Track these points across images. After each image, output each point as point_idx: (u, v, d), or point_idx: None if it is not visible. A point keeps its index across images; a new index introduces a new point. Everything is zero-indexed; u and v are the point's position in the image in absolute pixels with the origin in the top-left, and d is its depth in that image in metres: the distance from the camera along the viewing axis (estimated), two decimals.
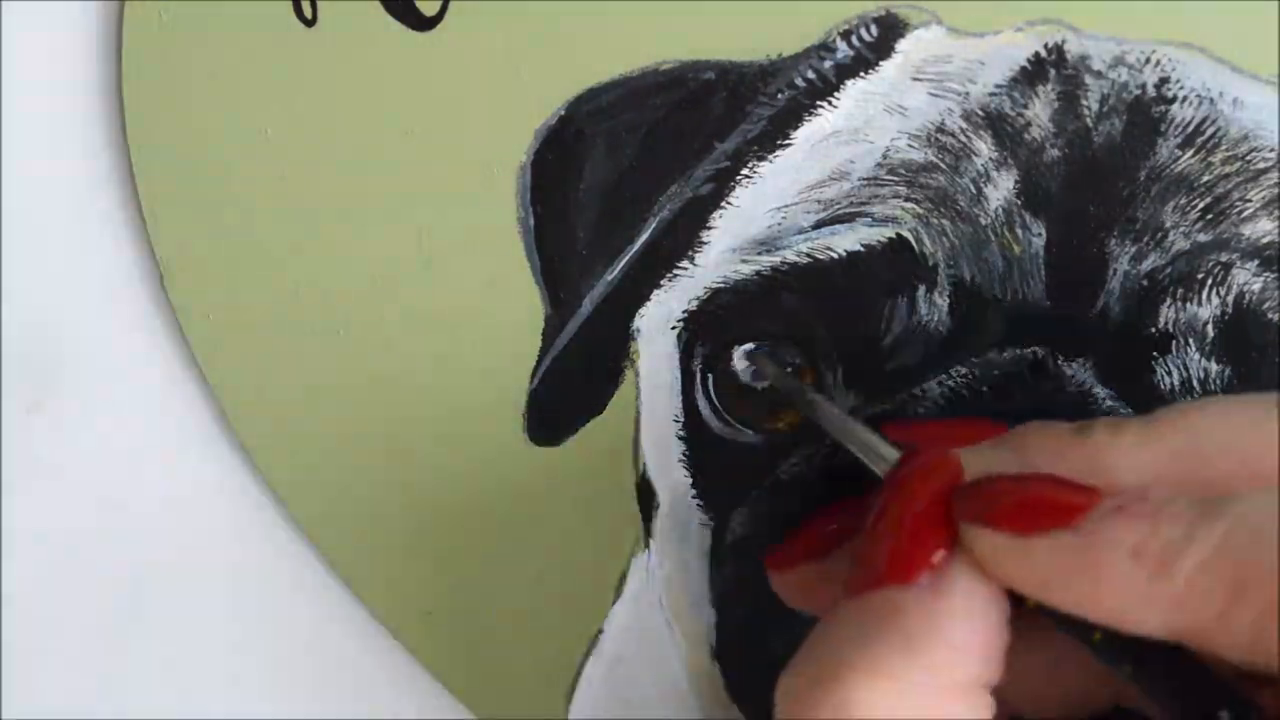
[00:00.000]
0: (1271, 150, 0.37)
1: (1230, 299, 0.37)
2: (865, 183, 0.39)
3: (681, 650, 0.44)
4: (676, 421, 0.41)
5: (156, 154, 0.43)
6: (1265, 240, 0.37)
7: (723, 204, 0.40)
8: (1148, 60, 0.38)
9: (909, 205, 0.38)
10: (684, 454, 0.42)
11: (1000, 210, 0.38)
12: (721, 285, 0.40)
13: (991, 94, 0.38)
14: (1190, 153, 0.37)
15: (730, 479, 0.41)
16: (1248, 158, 0.37)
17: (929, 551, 0.31)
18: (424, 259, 0.43)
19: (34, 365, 0.46)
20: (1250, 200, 0.37)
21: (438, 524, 0.45)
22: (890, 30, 0.39)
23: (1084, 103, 0.38)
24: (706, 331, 0.41)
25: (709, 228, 0.41)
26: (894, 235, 0.38)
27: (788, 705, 0.31)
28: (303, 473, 0.45)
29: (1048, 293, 0.38)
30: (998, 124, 0.38)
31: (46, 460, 0.47)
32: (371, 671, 0.47)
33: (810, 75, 0.40)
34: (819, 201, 0.39)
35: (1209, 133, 0.37)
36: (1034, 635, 0.31)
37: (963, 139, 0.38)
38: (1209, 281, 0.37)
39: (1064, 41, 0.38)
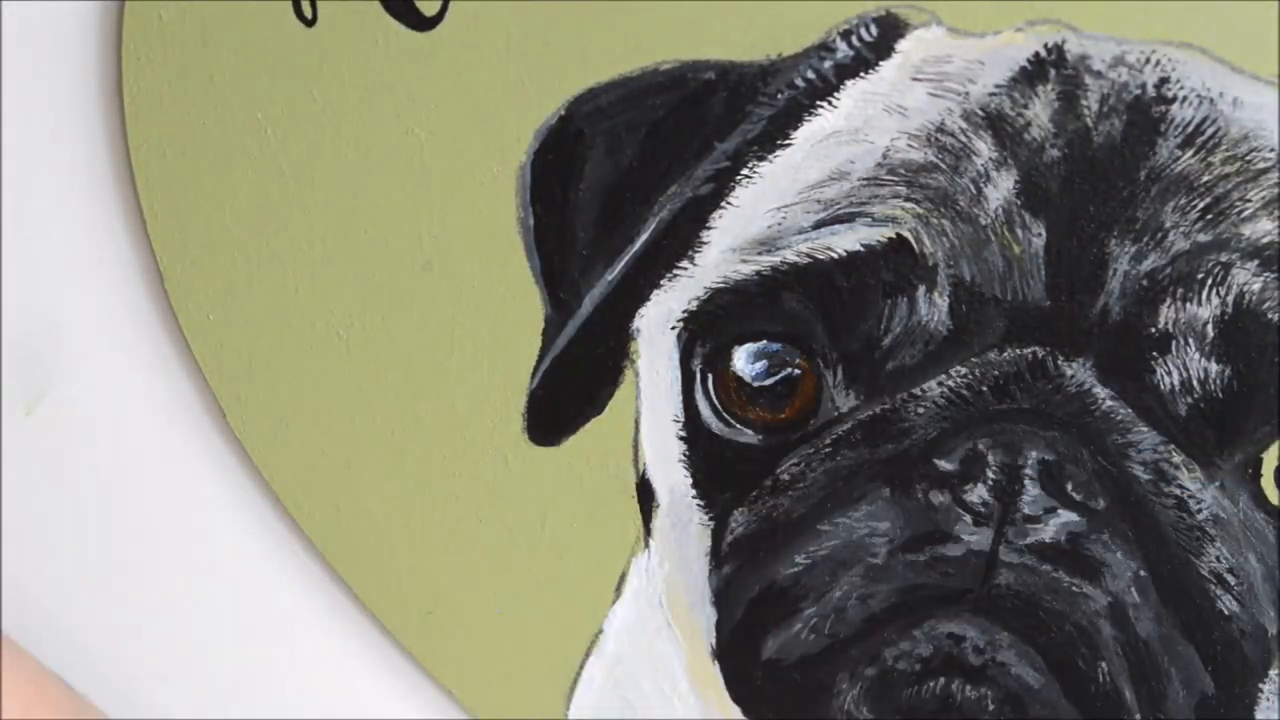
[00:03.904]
0: (1271, 150, 0.37)
1: (1230, 299, 0.37)
2: (865, 183, 0.39)
3: (681, 650, 0.44)
4: (676, 421, 0.41)
5: (156, 154, 0.43)
6: (1265, 240, 0.37)
7: (723, 204, 0.40)
8: (1148, 60, 0.38)
9: (909, 205, 0.38)
10: (684, 454, 0.42)
11: (1000, 210, 0.38)
12: (721, 285, 0.40)
13: (991, 94, 0.38)
14: (1190, 153, 0.37)
15: (730, 479, 0.41)
16: (1248, 158, 0.37)
17: None
18: (424, 259, 0.43)
19: (34, 365, 0.46)
20: (1250, 200, 0.37)
21: (438, 524, 0.45)
22: (890, 30, 0.39)
23: (1084, 103, 0.38)
24: (706, 331, 0.41)
25: (709, 228, 0.41)
26: (894, 235, 0.38)
27: None
28: (303, 473, 0.45)
29: (1048, 293, 0.38)
30: (998, 124, 0.38)
31: (46, 460, 0.47)
32: (371, 671, 0.47)
33: (810, 75, 0.40)
34: (819, 201, 0.39)
35: (1209, 133, 0.37)
36: None
37: (963, 139, 0.38)
38: (1209, 281, 0.37)
39: (1064, 41, 0.38)
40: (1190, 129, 0.37)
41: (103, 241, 0.45)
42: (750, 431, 0.40)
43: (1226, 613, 0.38)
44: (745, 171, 0.40)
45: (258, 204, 0.43)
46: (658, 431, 0.42)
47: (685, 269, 0.41)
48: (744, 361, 0.40)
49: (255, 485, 0.46)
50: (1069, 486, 0.37)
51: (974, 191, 0.38)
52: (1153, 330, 0.37)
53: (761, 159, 0.40)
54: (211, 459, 0.46)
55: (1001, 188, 0.38)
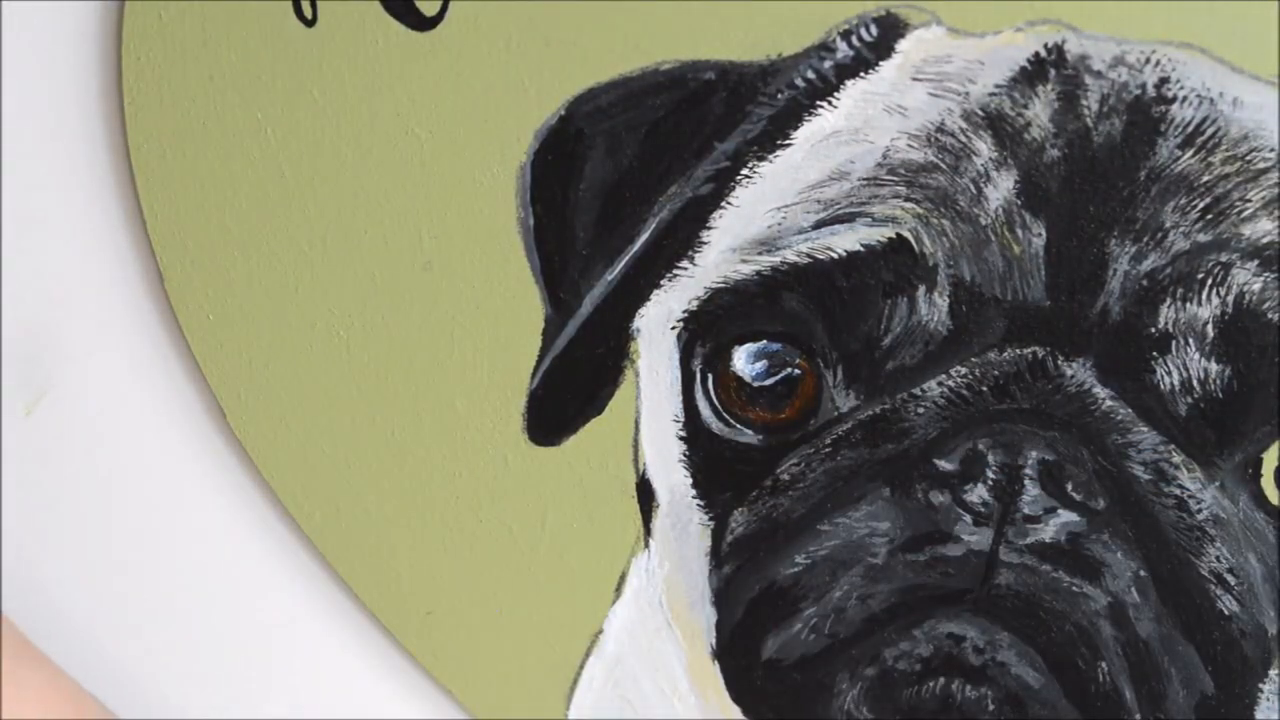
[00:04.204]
0: (1271, 150, 0.37)
1: (1230, 299, 0.37)
2: (865, 183, 0.39)
3: (681, 650, 0.44)
4: (676, 421, 0.41)
5: (156, 154, 0.43)
6: (1265, 240, 0.37)
7: (723, 204, 0.40)
8: (1148, 60, 0.38)
9: (909, 205, 0.38)
10: (684, 454, 0.42)
11: (1000, 210, 0.38)
12: (721, 285, 0.40)
13: (991, 94, 0.38)
14: (1190, 153, 0.37)
15: (730, 479, 0.41)
16: (1248, 158, 0.37)
17: None
18: (424, 259, 0.43)
19: (34, 365, 0.46)
20: (1250, 200, 0.37)
21: (438, 524, 0.45)
22: (890, 30, 0.39)
23: (1084, 103, 0.38)
24: (706, 331, 0.41)
25: (709, 228, 0.41)
26: (894, 235, 0.38)
27: None
28: (303, 473, 0.45)
29: (1048, 293, 0.38)
30: (998, 124, 0.38)
31: (46, 460, 0.47)
32: (372, 671, 0.47)
33: (810, 75, 0.40)
34: (819, 201, 0.39)
35: (1209, 133, 0.37)
36: None
37: (963, 139, 0.38)
38: (1209, 281, 0.37)
39: (1064, 41, 0.38)
40: (1190, 129, 0.37)
41: (103, 241, 0.45)
42: (750, 431, 0.40)
43: (1226, 613, 0.38)
44: (745, 171, 0.40)
45: (258, 204, 0.43)
46: (658, 431, 0.42)
47: (685, 269, 0.41)
48: (744, 361, 0.40)
49: (255, 485, 0.46)
50: (1069, 486, 0.37)
51: (974, 191, 0.38)
52: (1153, 330, 0.37)
53: (761, 159, 0.40)
54: (211, 459, 0.46)
55: (1001, 188, 0.38)
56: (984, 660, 0.38)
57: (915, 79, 0.39)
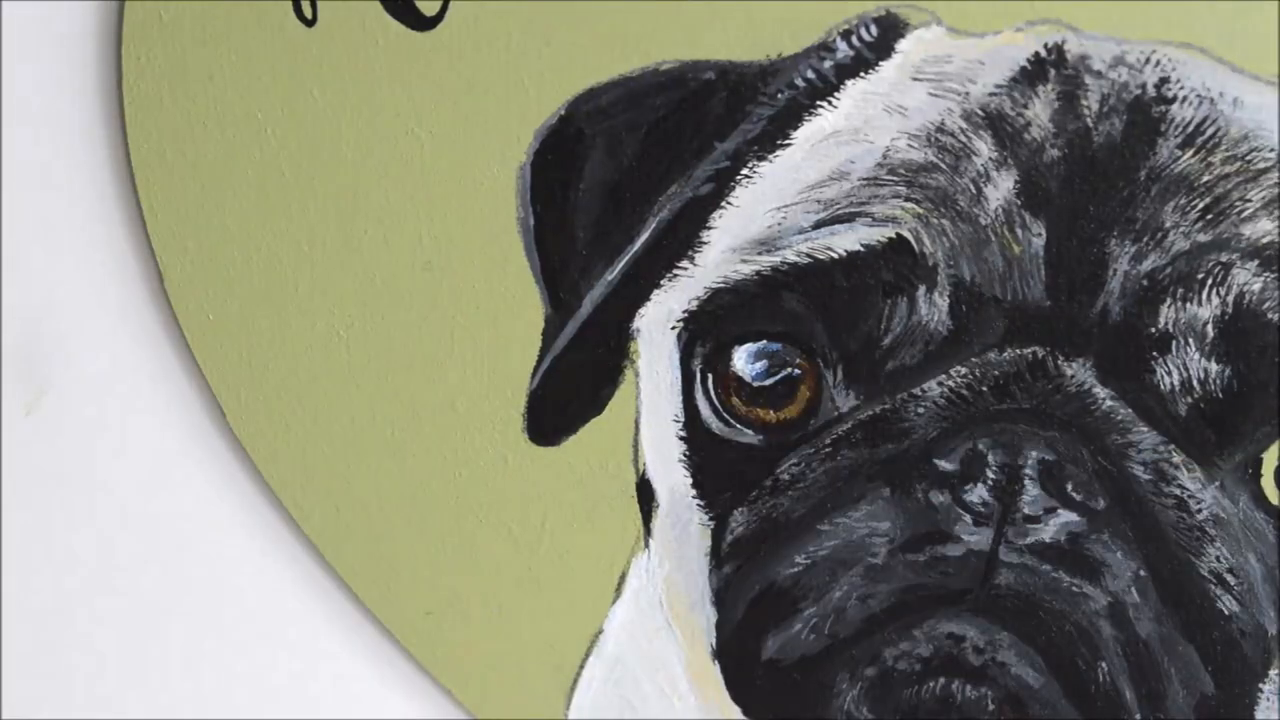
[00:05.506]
0: (1271, 150, 0.37)
1: (1230, 299, 0.37)
2: (865, 183, 0.39)
3: (681, 650, 0.44)
4: (676, 421, 0.41)
5: (156, 154, 0.43)
6: (1265, 240, 0.37)
7: (723, 204, 0.40)
8: (1148, 60, 0.38)
9: (909, 205, 0.38)
10: (684, 454, 0.42)
11: (1000, 210, 0.38)
12: (721, 285, 0.40)
13: (991, 94, 0.38)
14: (1190, 153, 0.37)
15: (730, 479, 0.41)
16: (1248, 158, 0.37)
17: None
18: (424, 259, 0.43)
19: (34, 366, 0.46)
20: (1250, 200, 0.37)
21: (438, 524, 0.45)
22: (890, 30, 0.39)
23: (1084, 103, 0.38)
24: (706, 331, 0.41)
25: (709, 228, 0.41)
26: (894, 235, 0.38)
27: None
28: (303, 473, 0.45)
29: (1048, 293, 0.38)
30: (998, 124, 0.38)
31: (46, 460, 0.47)
32: (372, 671, 0.47)
33: (810, 75, 0.40)
34: (819, 201, 0.39)
35: (1209, 133, 0.37)
36: None
37: (963, 139, 0.38)
38: (1209, 281, 0.37)
39: (1064, 41, 0.38)
40: (1190, 129, 0.37)
41: (103, 241, 0.45)
42: (750, 431, 0.40)
43: (1226, 613, 0.38)
44: (745, 171, 0.40)
45: (258, 204, 0.43)
46: (658, 431, 0.42)
47: (685, 269, 0.41)
48: (744, 361, 0.40)
49: (255, 485, 0.46)
50: (1069, 486, 0.37)
51: (974, 191, 0.38)
52: (1153, 330, 0.37)
53: (761, 159, 0.40)
54: (211, 459, 0.46)
55: (1001, 188, 0.38)
56: (984, 660, 0.38)
57: (915, 79, 0.39)
